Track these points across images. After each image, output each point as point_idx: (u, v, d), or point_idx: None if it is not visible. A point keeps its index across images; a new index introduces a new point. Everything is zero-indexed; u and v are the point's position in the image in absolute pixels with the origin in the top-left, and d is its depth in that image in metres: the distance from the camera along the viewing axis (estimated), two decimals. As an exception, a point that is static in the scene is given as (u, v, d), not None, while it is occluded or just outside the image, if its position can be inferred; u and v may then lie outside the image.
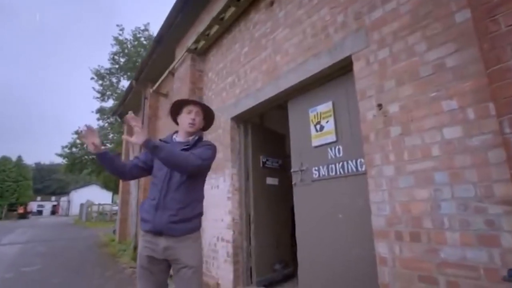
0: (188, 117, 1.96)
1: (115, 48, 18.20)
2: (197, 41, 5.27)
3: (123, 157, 10.46)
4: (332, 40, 2.96)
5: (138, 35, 18.47)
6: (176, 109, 2.05)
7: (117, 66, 18.38)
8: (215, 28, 4.84)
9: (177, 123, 2.07)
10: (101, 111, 18.87)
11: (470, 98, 1.90)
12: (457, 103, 1.96)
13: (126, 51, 18.09)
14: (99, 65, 18.66)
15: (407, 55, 2.28)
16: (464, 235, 1.84)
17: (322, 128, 3.17)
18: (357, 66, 2.66)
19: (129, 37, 18.54)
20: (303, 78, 3.24)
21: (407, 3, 2.34)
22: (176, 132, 2.07)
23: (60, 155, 19.78)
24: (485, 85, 1.83)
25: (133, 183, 9.14)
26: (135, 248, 7.08)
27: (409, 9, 2.32)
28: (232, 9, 4.42)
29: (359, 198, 2.66)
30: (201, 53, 5.50)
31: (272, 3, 3.92)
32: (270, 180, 4.70)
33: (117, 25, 18.64)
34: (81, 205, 27.90)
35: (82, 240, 11.41)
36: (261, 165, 4.55)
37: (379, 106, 2.42)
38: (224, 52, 4.92)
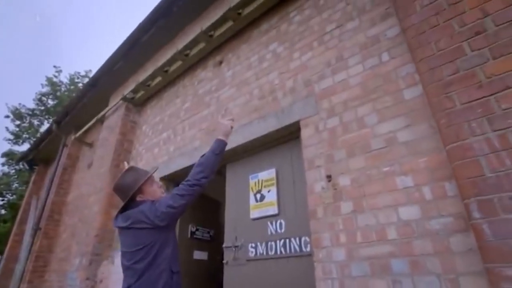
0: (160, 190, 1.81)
1: (46, 89, 16.58)
2: (135, 91, 4.84)
3: (19, 214, 8.49)
4: (280, 104, 2.80)
5: (76, 80, 17.29)
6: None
7: (42, 108, 16.49)
8: (158, 79, 4.52)
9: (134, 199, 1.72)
10: (9, 155, 16.06)
11: (426, 176, 1.74)
12: (412, 180, 1.78)
13: (58, 93, 16.54)
14: (20, 104, 16.51)
15: (358, 126, 2.16)
16: None
17: (262, 198, 2.78)
18: (305, 133, 2.47)
19: (66, 80, 17.23)
20: (246, 140, 2.95)
21: (356, 76, 2.32)
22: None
23: None
24: (440, 163, 1.70)
25: (24, 247, 7.23)
26: None
27: (359, 81, 2.29)
28: (178, 63, 4.21)
29: (303, 286, 2.19)
30: (138, 103, 5.03)
31: (220, 63, 3.81)
32: (198, 254, 3.98)
33: (54, 66, 17.31)
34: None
35: None
36: (189, 235, 3.87)
37: (329, 177, 2.17)
38: (163, 105, 4.53)
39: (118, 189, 1.70)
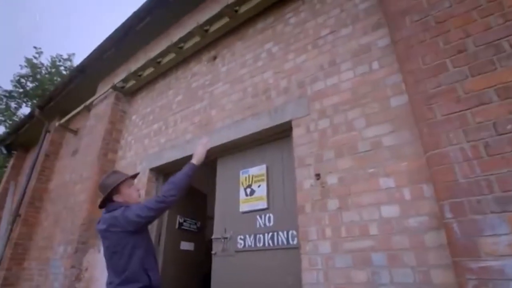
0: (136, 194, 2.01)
1: (25, 71, 15.91)
2: (126, 80, 4.81)
3: (-3, 199, 8.23)
4: (273, 103, 2.92)
5: (58, 63, 16.66)
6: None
7: (21, 90, 15.84)
8: (150, 70, 4.52)
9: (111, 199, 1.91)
10: (-17, 138, 15.38)
11: (406, 178, 1.92)
12: (394, 182, 1.95)
13: (38, 76, 15.91)
14: (-4, 85, 15.81)
15: (347, 129, 2.31)
16: (404, 330, 1.65)
17: (252, 192, 2.91)
18: (296, 132, 2.60)
19: (47, 62, 16.57)
20: (238, 136, 3.05)
21: (347, 81, 2.46)
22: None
23: None
24: (419, 167, 1.88)
25: (2, 234, 7.05)
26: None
27: (350, 86, 2.43)
28: (172, 55, 4.22)
29: (289, 276, 2.35)
30: (128, 93, 5.00)
31: (215, 58, 3.87)
32: (185, 245, 4.07)
33: (35, 47, 16.57)
34: None
35: None
36: (177, 226, 3.95)
37: (317, 176, 2.32)
38: (154, 96, 4.54)
39: (100, 187, 1.91)
